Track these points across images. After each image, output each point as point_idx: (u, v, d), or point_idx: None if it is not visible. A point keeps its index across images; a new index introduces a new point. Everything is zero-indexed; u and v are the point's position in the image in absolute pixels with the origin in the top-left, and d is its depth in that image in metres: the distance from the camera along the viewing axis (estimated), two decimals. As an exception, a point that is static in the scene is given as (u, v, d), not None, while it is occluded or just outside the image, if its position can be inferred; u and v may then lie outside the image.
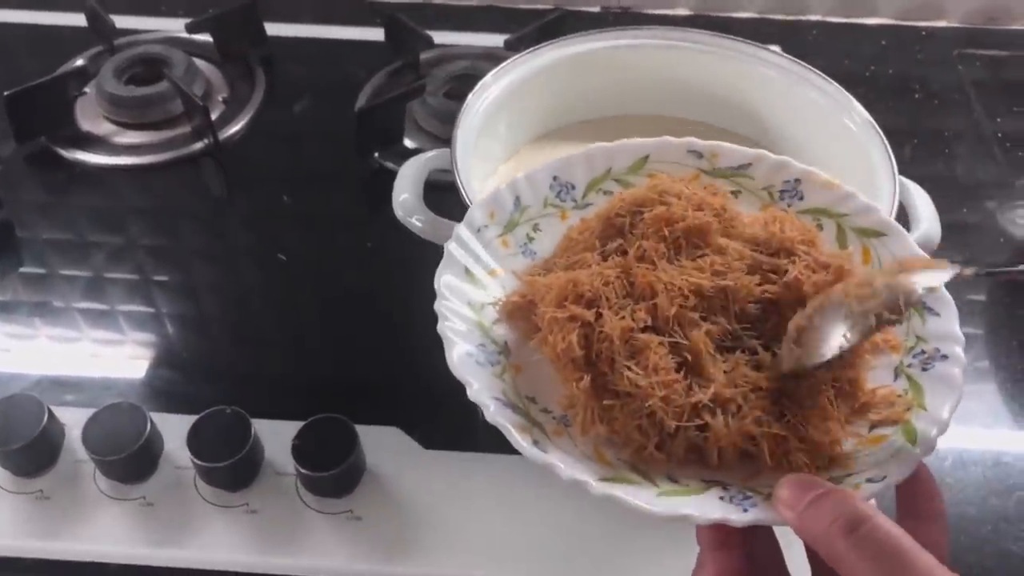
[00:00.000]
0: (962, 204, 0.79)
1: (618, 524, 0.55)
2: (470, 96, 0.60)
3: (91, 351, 0.67)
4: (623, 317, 0.40)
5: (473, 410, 0.59)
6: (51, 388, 0.63)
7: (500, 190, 0.48)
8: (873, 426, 0.40)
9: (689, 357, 0.39)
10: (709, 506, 0.36)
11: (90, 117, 0.83)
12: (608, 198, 0.47)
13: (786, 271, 0.41)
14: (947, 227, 0.59)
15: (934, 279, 0.37)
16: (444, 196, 0.60)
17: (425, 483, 0.58)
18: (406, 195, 0.59)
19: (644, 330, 0.40)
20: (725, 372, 0.39)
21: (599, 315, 0.40)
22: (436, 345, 0.65)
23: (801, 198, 0.47)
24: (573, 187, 0.49)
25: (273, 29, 0.92)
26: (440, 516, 0.56)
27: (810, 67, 0.59)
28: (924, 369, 0.40)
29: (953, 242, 0.73)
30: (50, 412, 0.58)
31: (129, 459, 0.56)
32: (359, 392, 0.64)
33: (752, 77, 0.62)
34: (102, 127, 0.82)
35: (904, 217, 0.56)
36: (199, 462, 0.55)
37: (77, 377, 0.64)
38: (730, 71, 0.63)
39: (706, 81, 0.64)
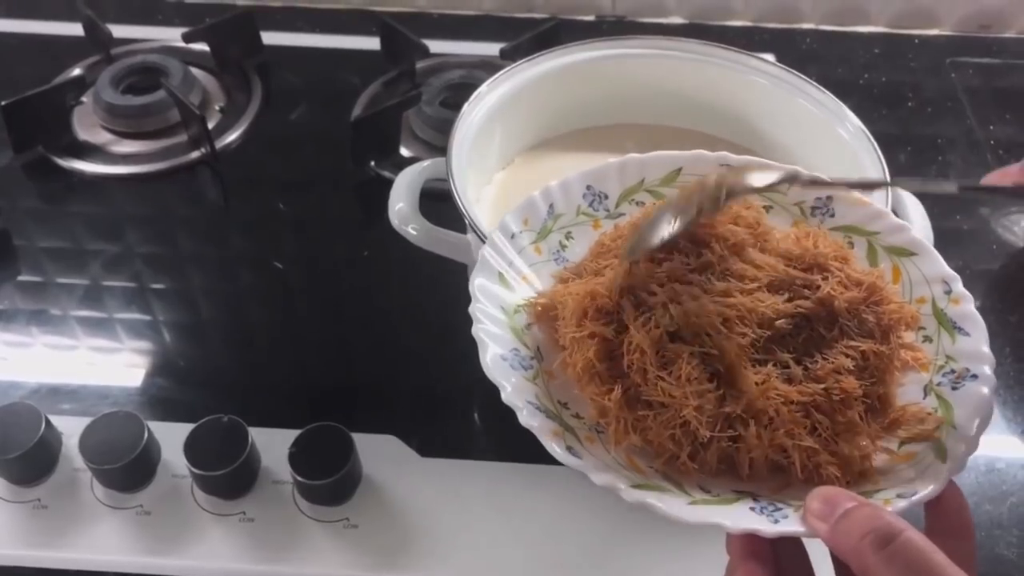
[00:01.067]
0: (955, 211, 0.80)
1: (615, 532, 0.56)
2: (466, 106, 0.60)
3: (88, 359, 0.67)
4: (649, 327, 0.40)
5: (470, 417, 0.60)
6: (48, 396, 0.64)
7: (534, 197, 0.48)
8: (903, 443, 0.40)
9: (721, 368, 0.39)
10: (740, 516, 0.36)
11: (87, 126, 0.84)
12: (641, 208, 0.48)
13: (818, 287, 0.41)
14: (941, 234, 0.59)
15: (761, 179, 0.39)
16: (440, 205, 0.60)
17: (422, 491, 0.58)
18: (401, 204, 0.59)
19: (672, 338, 0.40)
20: (757, 384, 0.39)
21: (623, 327, 0.41)
22: (433, 353, 0.66)
23: (832, 215, 0.47)
24: (606, 196, 0.49)
25: (269, 38, 0.93)
26: (437, 524, 0.57)
27: (803, 76, 0.60)
28: (954, 388, 0.40)
29: (946, 248, 0.74)
30: (47, 421, 0.58)
31: (126, 468, 0.56)
32: (356, 400, 0.64)
33: (745, 86, 0.63)
34: (99, 136, 0.83)
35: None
36: (196, 471, 0.55)
37: (74, 385, 0.65)
38: (724, 80, 0.64)
39: (700, 90, 0.64)
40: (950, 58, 0.95)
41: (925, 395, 0.41)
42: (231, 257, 0.75)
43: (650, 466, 0.40)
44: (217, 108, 0.86)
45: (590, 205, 0.49)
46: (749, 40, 0.97)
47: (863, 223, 0.47)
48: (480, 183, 0.63)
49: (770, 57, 0.93)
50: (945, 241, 0.71)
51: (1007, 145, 0.86)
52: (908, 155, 0.84)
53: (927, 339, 0.43)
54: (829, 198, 0.47)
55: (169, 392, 0.65)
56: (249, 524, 0.56)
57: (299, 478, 0.55)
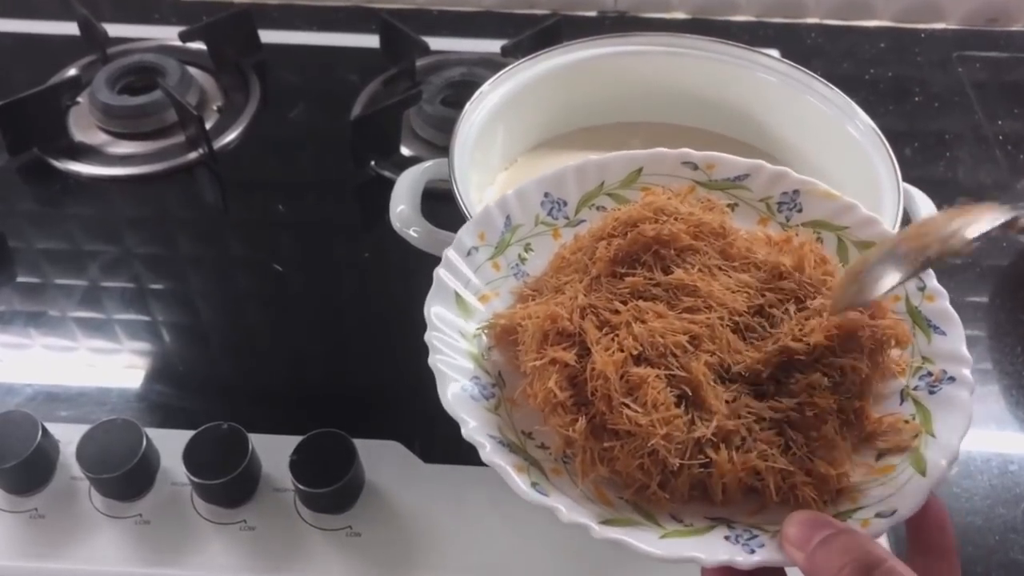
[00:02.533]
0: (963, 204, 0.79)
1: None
2: (467, 105, 0.59)
3: (85, 364, 0.66)
4: (612, 351, 0.38)
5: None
6: (45, 402, 0.63)
7: (490, 209, 0.46)
8: (880, 455, 0.38)
9: (689, 390, 0.38)
10: (715, 547, 0.35)
11: (83, 127, 0.83)
12: (601, 214, 0.46)
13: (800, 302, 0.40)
14: None
15: (984, 224, 0.35)
16: (442, 206, 0.59)
17: (425, 498, 0.57)
18: (403, 206, 0.58)
19: (637, 360, 0.39)
20: (727, 403, 0.38)
21: (586, 349, 0.39)
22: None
23: (800, 210, 0.46)
24: (565, 203, 0.48)
25: (267, 36, 0.92)
26: (441, 531, 0.56)
27: (811, 73, 0.58)
28: (931, 392, 0.39)
29: None
30: (44, 429, 0.57)
31: (124, 477, 0.55)
32: (358, 406, 0.63)
33: (753, 83, 0.62)
34: (95, 137, 0.82)
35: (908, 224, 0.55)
36: (196, 479, 0.54)
37: (71, 391, 0.64)
38: (729, 77, 0.63)
39: (705, 88, 0.63)
40: (957, 52, 0.94)
41: (902, 401, 0.40)
42: (230, 260, 0.74)
43: (620, 497, 0.38)
44: (215, 108, 0.85)
45: (549, 213, 0.47)
46: (753, 35, 0.96)
47: (832, 217, 0.45)
48: (483, 183, 0.62)
49: (775, 53, 0.92)
50: None
51: (1015, 140, 0.85)
52: (915, 151, 0.83)
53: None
54: (796, 192, 0.46)
55: (167, 398, 0.64)
56: (250, 533, 0.55)
57: (301, 486, 0.54)
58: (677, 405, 0.38)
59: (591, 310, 0.40)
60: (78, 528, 0.56)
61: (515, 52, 0.83)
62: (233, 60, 0.88)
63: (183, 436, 0.56)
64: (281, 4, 0.98)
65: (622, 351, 0.38)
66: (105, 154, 0.80)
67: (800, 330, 0.39)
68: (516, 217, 0.47)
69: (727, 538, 0.35)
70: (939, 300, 0.42)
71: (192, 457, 0.55)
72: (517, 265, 0.46)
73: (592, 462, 0.38)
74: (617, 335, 0.39)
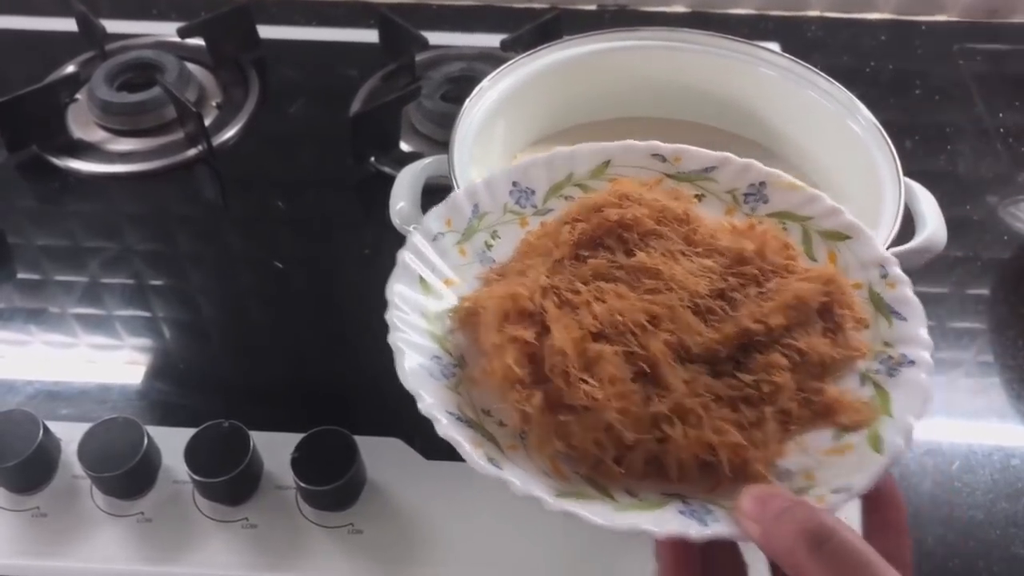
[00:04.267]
0: (964, 199, 0.79)
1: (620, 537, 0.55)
2: (467, 101, 0.59)
3: (86, 361, 0.66)
4: (571, 328, 0.39)
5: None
6: (46, 400, 0.63)
7: (457, 196, 0.47)
8: (838, 434, 0.38)
9: (647, 367, 0.38)
10: (668, 520, 0.35)
11: (82, 124, 0.82)
12: (569, 203, 0.47)
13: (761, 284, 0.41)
14: (949, 222, 0.58)
15: None
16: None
17: (427, 494, 0.57)
18: (403, 203, 0.58)
19: (596, 338, 0.39)
20: (685, 382, 0.38)
21: (546, 328, 0.39)
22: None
23: (766, 201, 0.46)
24: (533, 192, 0.48)
25: (265, 32, 0.91)
26: (443, 528, 0.56)
27: (814, 69, 0.58)
28: (891, 375, 0.39)
29: (955, 237, 0.73)
30: (45, 427, 0.57)
31: (126, 475, 0.55)
32: (359, 402, 0.63)
33: (754, 78, 0.61)
34: (95, 134, 0.81)
35: (910, 220, 0.55)
36: (197, 477, 0.54)
37: (72, 389, 0.64)
38: (731, 72, 0.62)
39: (707, 83, 0.63)
40: (957, 44, 0.94)
41: (862, 383, 0.40)
42: (230, 257, 0.74)
43: (575, 472, 0.38)
44: (214, 104, 0.85)
45: (517, 202, 0.48)
46: (754, 28, 0.95)
47: (797, 208, 0.45)
48: (483, 180, 0.61)
49: (775, 46, 0.92)
50: (955, 230, 0.70)
51: (1016, 132, 0.84)
52: (915, 144, 0.83)
53: (865, 327, 0.42)
54: (763, 184, 0.46)
55: (168, 395, 0.64)
56: (252, 531, 0.55)
57: (302, 484, 0.54)
58: (634, 382, 0.38)
59: (552, 290, 0.41)
60: (80, 526, 0.56)
61: (515, 47, 0.83)
62: (232, 56, 0.88)
63: (184, 434, 0.56)
64: (279, 0, 0.98)
65: (581, 329, 0.39)
66: (104, 151, 0.80)
67: (760, 312, 0.40)
68: (484, 205, 0.47)
69: (681, 512, 0.35)
70: (900, 287, 0.42)
71: (193, 455, 0.55)
72: (483, 252, 0.46)
73: (548, 436, 0.38)
74: (577, 313, 0.39)
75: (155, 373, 0.65)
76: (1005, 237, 0.76)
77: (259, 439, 0.57)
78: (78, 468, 0.56)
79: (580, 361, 0.38)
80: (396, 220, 0.58)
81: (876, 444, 0.37)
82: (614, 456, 0.38)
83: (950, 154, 0.82)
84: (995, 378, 0.66)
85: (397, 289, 0.42)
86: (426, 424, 0.60)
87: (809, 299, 0.40)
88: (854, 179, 0.54)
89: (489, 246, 0.46)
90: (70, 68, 0.88)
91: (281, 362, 0.66)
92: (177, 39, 0.88)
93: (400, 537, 0.55)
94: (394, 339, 0.40)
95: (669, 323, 0.39)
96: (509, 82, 0.62)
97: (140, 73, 0.84)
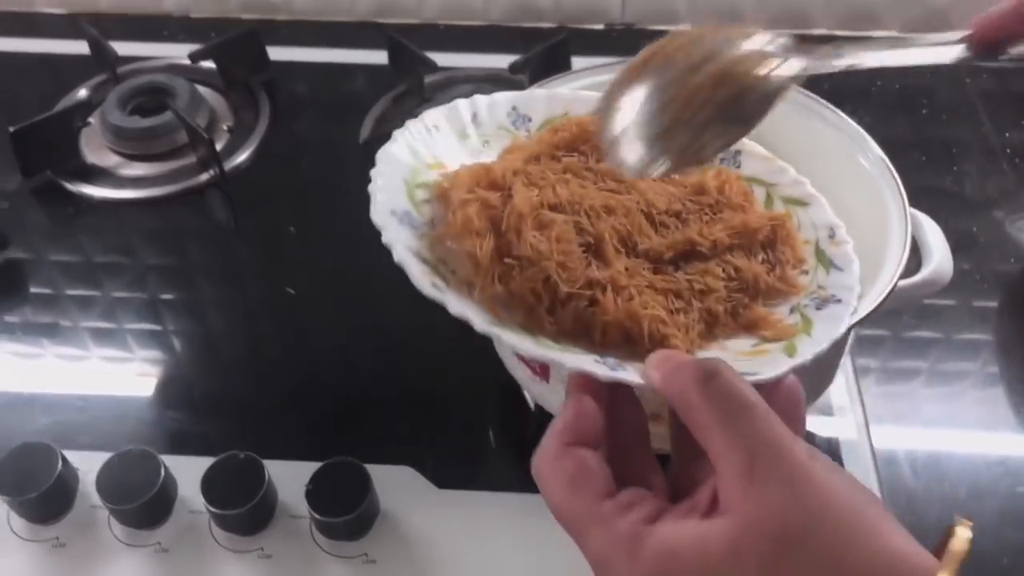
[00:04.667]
0: (970, 216, 0.79)
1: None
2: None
3: (101, 390, 0.67)
4: (533, 197, 0.42)
5: (488, 447, 0.59)
6: (63, 429, 0.63)
7: (459, 103, 0.49)
8: (758, 343, 0.41)
9: (593, 243, 0.41)
10: (581, 361, 0.37)
11: (95, 148, 0.83)
12: None
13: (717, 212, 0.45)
14: (956, 239, 0.59)
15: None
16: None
17: (440, 524, 0.58)
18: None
19: (553, 208, 0.42)
20: (625, 268, 0.41)
21: (510, 198, 0.42)
22: (449, 381, 0.66)
23: (739, 166, 0.51)
24: (529, 120, 0.51)
25: (275, 53, 0.92)
26: (456, 557, 0.56)
27: (822, 101, 0.59)
28: (818, 309, 0.43)
29: (962, 251, 0.74)
30: (64, 458, 0.58)
31: (143, 507, 0.55)
32: (371, 430, 0.64)
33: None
34: (107, 159, 0.82)
35: (917, 253, 0.55)
36: (214, 509, 0.55)
37: (88, 416, 0.65)
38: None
39: None
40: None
41: (790, 312, 0.43)
42: (243, 283, 0.75)
43: (512, 318, 0.40)
44: (225, 128, 0.85)
45: (512, 124, 0.50)
46: (760, 46, 0.96)
47: (765, 175, 0.50)
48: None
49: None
50: (961, 246, 0.72)
51: (1022, 150, 0.85)
52: (923, 161, 0.83)
53: (804, 273, 0.46)
54: (738, 152, 0.51)
55: (182, 423, 0.64)
56: (267, 561, 0.56)
57: (317, 515, 0.55)
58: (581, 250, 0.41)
59: (524, 173, 0.44)
60: (98, 556, 0.56)
61: (523, 69, 0.84)
62: (242, 79, 0.89)
63: (199, 463, 0.57)
64: (289, 20, 0.99)
65: (541, 200, 0.42)
66: (117, 176, 0.81)
67: (707, 229, 0.44)
68: (482, 117, 0.50)
69: (596, 361, 0.37)
70: (843, 246, 0.46)
71: (210, 487, 0.56)
72: (474, 151, 0.48)
73: (491, 281, 0.40)
74: (540, 191, 0.43)
75: (169, 400, 0.66)
76: (1012, 259, 0.76)
77: (273, 468, 0.57)
78: (96, 498, 0.57)
79: (534, 222, 0.41)
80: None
81: (790, 351, 0.40)
82: (547, 306, 0.40)
83: (957, 172, 0.83)
84: (1000, 387, 0.68)
85: (388, 150, 0.45)
86: (436, 453, 0.62)
87: (755, 228, 0.45)
88: (861, 210, 0.54)
89: (479, 151, 0.49)
90: (82, 92, 0.89)
91: (293, 388, 0.67)
92: (188, 62, 0.89)
93: (413, 566, 0.56)
94: (372, 188, 0.42)
95: (623, 217, 0.43)
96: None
97: (152, 97, 0.85)
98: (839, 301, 0.43)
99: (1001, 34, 0.38)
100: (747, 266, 0.43)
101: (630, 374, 0.36)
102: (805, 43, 0.37)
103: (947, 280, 0.55)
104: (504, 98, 0.51)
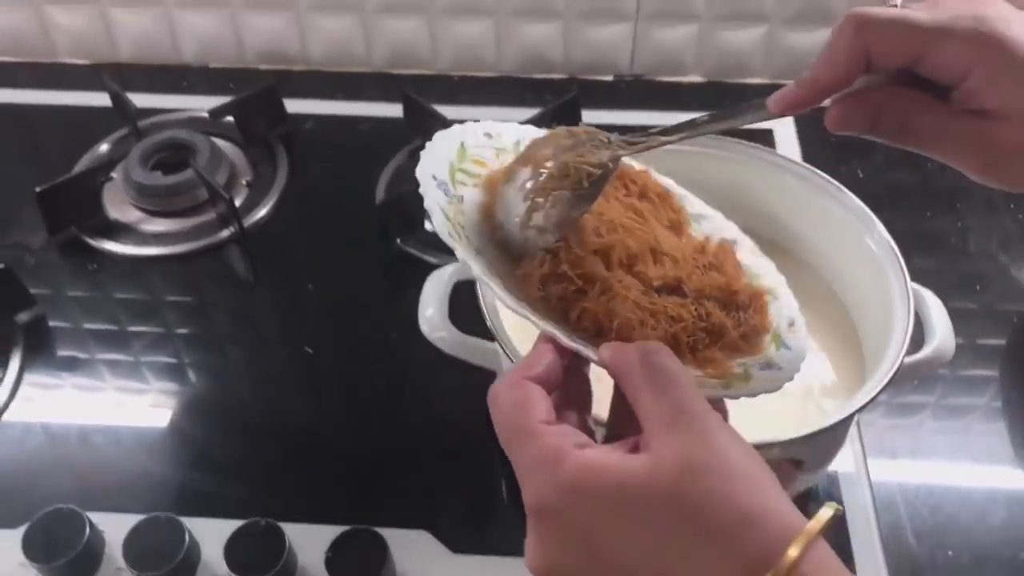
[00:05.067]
0: (974, 258, 0.81)
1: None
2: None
3: (124, 449, 0.69)
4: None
5: (502, 512, 0.61)
6: (87, 489, 0.65)
7: (514, 128, 0.52)
8: (700, 378, 0.45)
9: (603, 247, 0.45)
10: (548, 326, 0.41)
11: (117, 204, 0.85)
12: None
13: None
14: (960, 279, 0.61)
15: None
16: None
17: (454, 589, 0.59)
18: (431, 311, 0.60)
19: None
20: (619, 280, 0.44)
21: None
22: (464, 444, 0.67)
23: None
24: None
25: (292, 105, 0.94)
26: (470, 623, 0.58)
27: (834, 181, 0.61)
28: (761, 369, 0.46)
29: (966, 293, 0.77)
30: (91, 524, 0.60)
31: (170, 574, 0.57)
32: (388, 492, 0.65)
33: (777, 186, 0.63)
34: (129, 214, 0.84)
35: (920, 329, 0.57)
36: (236, 576, 0.57)
37: (112, 477, 0.67)
38: (753, 179, 0.64)
39: (729, 186, 0.64)
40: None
41: (738, 366, 0.46)
42: (263, 342, 0.77)
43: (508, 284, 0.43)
44: (244, 182, 0.87)
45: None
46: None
47: (751, 266, 0.53)
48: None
49: (788, 121, 0.95)
50: (965, 286, 0.75)
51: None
52: (928, 205, 0.85)
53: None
54: (734, 241, 0.54)
55: (203, 484, 0.66)
56: (288, 625, 0.58)
57: (336, 584, 0.57)
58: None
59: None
60: (124, 619, 0.58)
61: (537, 125, 0.85)
62: (261, 133, 0.91)
63: (220, 525, 0.59)
64: (305, 70, 1.01)
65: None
66: (139, 232, 0.83)
67: (694, 275, 0.48)
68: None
69: (563, 333, 0.41)
70: (799, 333, 0.49)
71: (233, 553, 0.58)
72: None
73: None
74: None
75: (189, 460, 0.68)
76: (1019, 312, 0.78)
77: (292, 531, 0.59)
78: (121, 560, 0.59)
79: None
80: (425, 328, 0.60)
81: (725, 388, 0.44)
82: (543, 275, 0.43)
83: (960, 215, 0.84)
84: (1000, 422, 0.70)
85: (448, 132, 0.49)
86: (451, 517, 0.63)
87: (735, 291, 0.48)
88: (866, 289, 0.57)
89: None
90: (104, 147, 0.91)
91: (311, 449, 0.69)
92: (207, 115, 0.91)
93: (429, 632, 0.58)
94: (424, 152, 0.46)
95: (632, 240, 0.47)
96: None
97: (173, 153, 0.87)
98: (780, 369, 0.47)
99: (799, 110, 0.45)
100: (718, 314, 0.47)
101: (588, 351, 0.41)
102: (629, 135, 0.46)
103: (949, 357, 0.56)
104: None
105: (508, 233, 0.45)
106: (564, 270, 0.44)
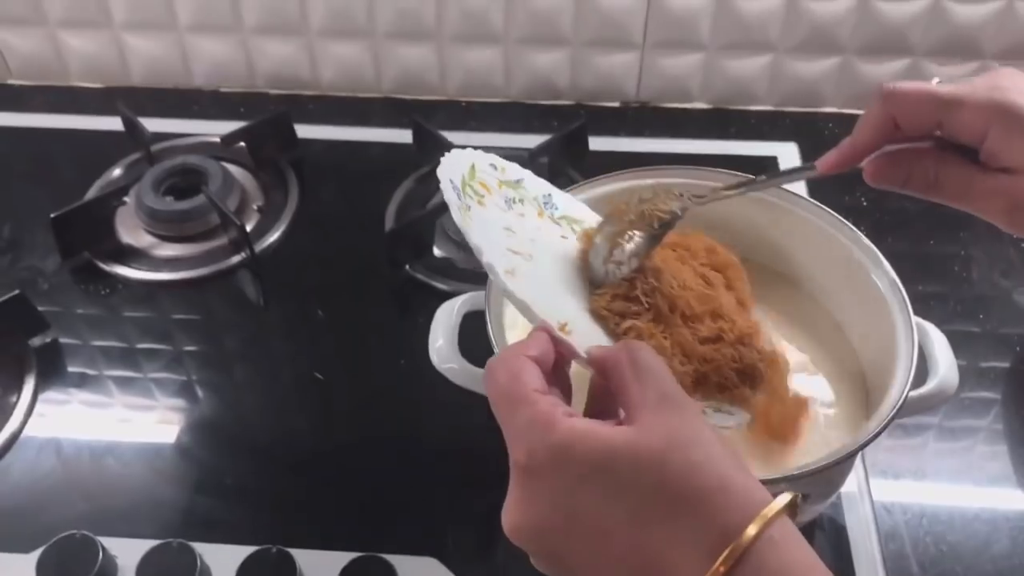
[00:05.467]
0: (977, 283, 0.82)
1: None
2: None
3: (135, 473, 0.69)
4: None
5: (507, 540, 0.62)
6: (100, 514, 0.66)
7: (518, 170, 0.59)
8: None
9: (670, 298, 0.53)
10: (537, 317, 0.45)
11: (130, 228, 0.86)
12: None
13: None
14: (963, 303, 0.66)
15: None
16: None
17: (462, 617, 0.60)
18: (441, 342, 0.61)
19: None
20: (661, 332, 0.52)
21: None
22: (473, 469, 0.68)
23: (556, 209, 0.59)
24: (556, 207, 0.60)
25: (303, 131, 0.95)
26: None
27: (845, 220, 0.63)
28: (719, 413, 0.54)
29: (969, 318, 0.78)
30: (104, 550, 0.60)
31: (181, 601, 0.58)
32: (395, 520, 0.66)
33: (788, 223, 0.65)
34: (142, 239, 0.85)
35: (924, 364, 0.58)
36: (248, 605, 0.58)
37: (124, 502, 0.67)
38: (765, 216, 0.65)
39: (742, 222, 0.65)
40: (971, 142, 0.96)
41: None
42: (273, 367, 0.78)
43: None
44: (255, 207, 0.88)
45: (543, 204, 0.60)
46: (772, 124, 0.99)
47: (575, 213, 0.60)
48: (517, 318, 0.64)
49: (792, 147, 0.96)
50: (969, 312, 0.76)
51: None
52: (931, 231, 0.86)
53: None
54: (550, 195, 0.60)
55: (213, 509, 0.67)
56: (298, 653, 0.59)
57: (345, 612, 0.58)
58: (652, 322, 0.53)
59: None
60: (136, 646, 0.59)
61: (543, 155, 0.87)
62: (272, 159, 0.92)
63: (230, 551, 0.60)
64: (316, 95, 1.02)
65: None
66: (151, 257, 0.84)
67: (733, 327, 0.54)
68: (527, 185, 0.59)
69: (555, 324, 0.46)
70: None
71: (245, 582, 0.58)
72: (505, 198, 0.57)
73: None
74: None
75: (201, 485, 0.68)
76: (1019, 331, 0.79)
77: (301, 557, 0.60)
78: (133, 586, 0.60)
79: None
80: (435, 358, 0.61)
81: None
82: (613, 295, 0.52)
83: (964, 241, 0.85)
84: (1002, 444, 0.71)
85: (468, 151, 0.57)
86: (459, 544, 0.64)
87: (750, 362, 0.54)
88: (872, 325, 0.58)
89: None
90: (117, 171, 0.92)
91: (321, 474, 0.70)
92: (218, 140, 0.92)
93: (437, 661, 0.58)
94: (446, 156, 0.54)
95: (696, 300, 0.54)
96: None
97: (185, 178, 0.88)
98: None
99: (842, 169, 0.51)
100: (752, 358, 0.53)
101: (581, 351, 0.44)
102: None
103: (952, 391, 0.57)
104: (542, 184, 0.61)
105: (594, 270, 0.53)
106: (636, 294, 0.51)
